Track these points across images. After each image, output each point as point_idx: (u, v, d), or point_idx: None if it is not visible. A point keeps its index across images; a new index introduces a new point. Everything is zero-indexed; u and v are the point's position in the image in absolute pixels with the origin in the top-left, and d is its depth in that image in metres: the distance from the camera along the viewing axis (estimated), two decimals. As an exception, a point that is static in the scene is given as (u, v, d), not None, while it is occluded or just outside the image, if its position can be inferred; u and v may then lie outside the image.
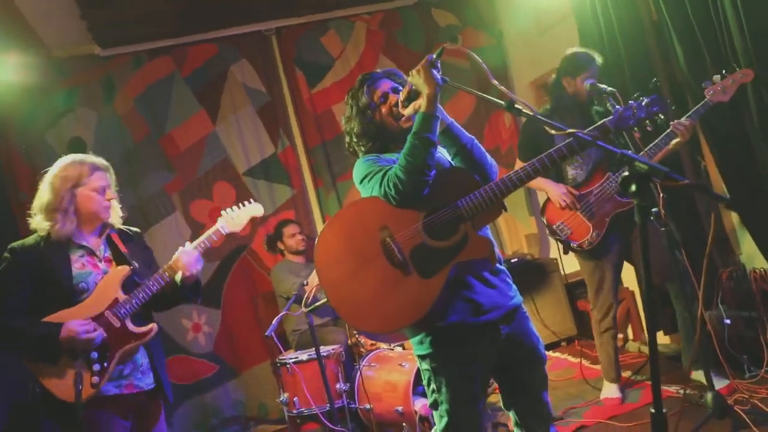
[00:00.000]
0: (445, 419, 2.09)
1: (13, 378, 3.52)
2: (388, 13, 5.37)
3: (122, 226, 2.64)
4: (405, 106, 2.10)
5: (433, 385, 2.11)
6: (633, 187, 1.50)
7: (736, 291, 3.47)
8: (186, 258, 2.53)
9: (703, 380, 3.05)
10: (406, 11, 5.42)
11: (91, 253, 2.49)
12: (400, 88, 2.20)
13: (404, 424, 3.48)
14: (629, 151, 1.56)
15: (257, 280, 4.95)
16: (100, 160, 2.54)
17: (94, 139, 4.62)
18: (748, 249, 3.69)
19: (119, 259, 2.53)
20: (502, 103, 1.90)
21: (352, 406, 3.77)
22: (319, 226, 5.14)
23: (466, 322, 2.03)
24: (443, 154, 2.18)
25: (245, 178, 4.99)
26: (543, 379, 2.19)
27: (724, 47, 3.24)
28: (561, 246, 3.60)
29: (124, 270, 2.48)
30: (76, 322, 2.32)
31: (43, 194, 2.43)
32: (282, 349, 3.47)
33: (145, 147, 4.78)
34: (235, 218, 2.73)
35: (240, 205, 2.78)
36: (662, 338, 4.23)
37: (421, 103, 2.02)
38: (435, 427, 2.20)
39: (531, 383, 2.17)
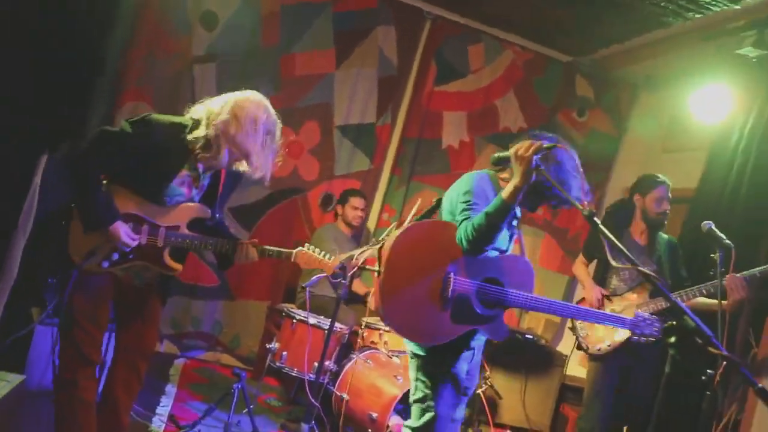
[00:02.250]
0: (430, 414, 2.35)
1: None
2: (538, 57, 5.33)
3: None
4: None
5: (424, 379, 2.37)
6: (672, 339, 1.59)
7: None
8: (249, 258, 2.53)
9: None
10: (554, 64, 5.38)
11: (197, 179, 2.49)
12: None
13: (369, 431, 3.45)
14: (684, 304, 1.58)
15: (295, 227, 4.93)
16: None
17: (227, 23, 4.61)
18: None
19: (211, 194, 2.55)
20: (583, 211, 1.96)
21: (330, 388, 3.74)
22: (376, 211, 5.11)
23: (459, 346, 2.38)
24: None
25: (335, 131, 4.97)
26: None
27: None
28: (576, 342, 3.67)
29: (201, 211, 2.50)
30: (127, 231, 2.36)
31: (230, 121, 2.33)
32: (308, 307, 3.45)
33: (267, 54, 4.75)
34: (308, 259, 2.62)
35: (322, 254, 2.64)
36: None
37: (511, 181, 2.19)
38: (409, 422, 2.42)
39: None
